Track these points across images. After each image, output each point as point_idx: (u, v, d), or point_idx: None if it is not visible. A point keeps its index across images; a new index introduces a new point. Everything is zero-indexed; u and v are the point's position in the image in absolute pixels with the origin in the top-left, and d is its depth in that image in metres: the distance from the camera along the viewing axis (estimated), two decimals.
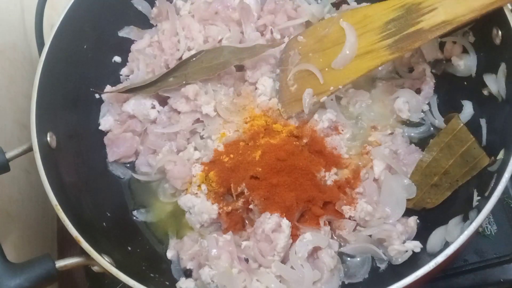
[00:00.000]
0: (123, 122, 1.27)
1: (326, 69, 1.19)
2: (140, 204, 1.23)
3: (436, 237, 1.02)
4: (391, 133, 1.21)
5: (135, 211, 1.22)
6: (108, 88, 1.29)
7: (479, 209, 0.89)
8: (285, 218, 1.05)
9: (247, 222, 1.13)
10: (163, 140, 1.24)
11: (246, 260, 1.06)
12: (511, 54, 1.00)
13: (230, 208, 1.13)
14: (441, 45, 1.22)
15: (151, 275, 1.07)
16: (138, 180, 1.25)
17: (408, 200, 1.10)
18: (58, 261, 0.92)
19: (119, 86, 1.30)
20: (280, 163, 1.11)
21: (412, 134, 1.22)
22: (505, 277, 1.15)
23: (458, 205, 1.04)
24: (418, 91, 1.24)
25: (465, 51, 1.16)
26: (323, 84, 1.19)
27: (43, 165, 0.98)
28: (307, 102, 1.19)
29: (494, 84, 1.05)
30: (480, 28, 1.09)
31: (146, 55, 1.33)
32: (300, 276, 1.00)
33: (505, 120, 1.00)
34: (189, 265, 1.09)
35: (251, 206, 1.11)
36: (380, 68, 1.28)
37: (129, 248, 1.11)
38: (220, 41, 1.31)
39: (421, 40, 1.07)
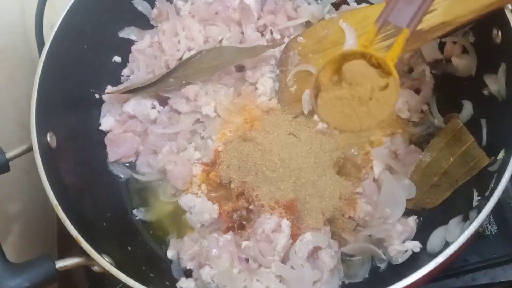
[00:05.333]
0: (123, 122, 1.27)
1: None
2: (140, 204, 1.23)
3: (436, 237, 1.02)
4: (391, 134, 1.21)
5: (135, 210, 1.22)
6: (108, 88, 1.29)
7: (479, 209, 0.89)
8: (285, 218, 1.06)
9: (247, 222, 1.13)
10: (163, 140, 1.25)
11: (246, 260, 1.06)
12: (511, 54, 1.00)
13: (230, 208, 1.13)
14: (441, 45, 1.22)
15: (151, 275, 1.07)
16: (138, 180, 1.25)
17: (408, 200, 1.10)
18: (58, 261, 0.92)
19: (120, 87, 1.30)
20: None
21: (412, 134, 1.22)
22: (505, 277, 1.15)
23: (458, 205, 1.04)
24: (417, 91, 1.24)
25: (465, 51, 1.16)
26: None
27: (43, 165, 0.98)
28: (306, 102, 1.19)
29: (494, 84, 1.04)
30: (480, 28, 1.09)
31: (146, 55, 1.33)
32: (300, 276, 1.00)
33: (505, 120, 1.00)
34: (189, 265, 1.09)
35: (251, 206, 1.11)
36: None
37: (129, 248, 1.11)
38: (220, 41, 1.31)
39: (421, 41, 1.07)
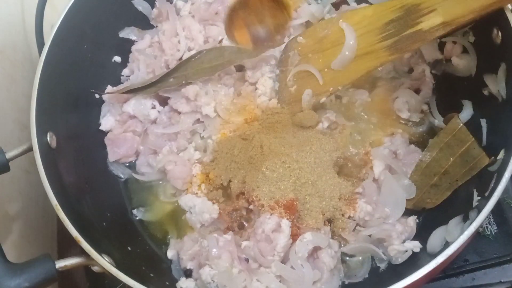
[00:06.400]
0: (123, 122, 1.27)
1: (326, 69, 1.19)
2: (140, 204, 1.23)
3: (436, 237, 1.02)
4: (391, 133, 1.21)
5: (135, 210, 1.22)
6: (108, 88, 1.29)
7: (479, 209, 0.89)
8: (285, 218, 1.06)
9: (247, 222, 1.14)
10: (163, 140, 1.25)
11: (246, 260, 1.06)
12: (511, 54, 1.00)
13: (230, 208, 1.13)
14: (441, 46, 1.22)
15: (151, 275, 1.07)
16: (138, 180, 1.25)
17: (408, 200, 1.10)
18: (58, 261, 0.92)
19: (120, 87, 1.30)
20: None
21: (412, 134, 1.22)
22: (505, 277, 1.15)
23: (458, 205, 1.04)
24: (417, 91, 1.24)
25: (465, 51, 1.16)
26: (322, 85, 1.19)
27: (43, 165, 0.98)
28: (306, 102, 1.19)
29: (494, 84, 1.05)
30: (480, 28, 1.09)
31: (146, 55, 1.33)
32: (300, 276, 1.00)
33: (505, 120, 1.00)
34: (189, 265, 1.09)
35: (251, 206, 1.11)
36: (379, 69, 1.28)
37: (129, 248, 1.11)
38: (220, 41, 1.31)
39: (421, 41, 1.07)
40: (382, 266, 1.09)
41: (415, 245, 1.04)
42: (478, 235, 1.16)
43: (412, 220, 1.09)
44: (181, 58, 1.30)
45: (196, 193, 1.17)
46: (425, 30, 1.05)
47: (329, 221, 1.11)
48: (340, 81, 1.18)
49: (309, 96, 1.20)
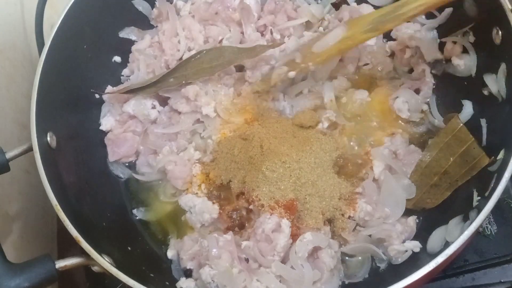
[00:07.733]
0: (123, 122, 1.27)
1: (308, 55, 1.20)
2: (140, 203, 1.23)
3: (436, 237, 1.02)
4: (391, 133, 1.21)
5: (135, 210, 1.22)
6: (108, 88, 1.29)
7: (479, 209, 0.89)
8: (285, 218, 1.06)
9: (247, 222, 1.14)
10: (163, 140, 1.25)
11: (246, 260, 1.06)
12: (511, 54, 1.00)
13: (230, 208, 1.13)
14: (441, 46, 1.22)
15: (151, 275, 1.07)
16: (138, 180, 1.25)
17: (407, 200, 1.10)
18: (58, 261, 0.92)
19: (120, 87, 1.30)
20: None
21: (412, 134, 1.22)
22: (505, 277, 1.15)
23: (458, 205, 1.04)
24: (417, 91, 1.24)
25: (465, 51, 1.16)
26: (297, 63, 1.20)
27: (43, 165, 0.98)
28: (276, 76, 1.21)
29: (494, 84, 1.05)
30: (480, 28, 1.09)
31: (146, 55, 1.33)
32: (300, 276, 1.00)
33: (505, 120, 1.00)
34: (189, 265, 1.09)
35: (251, 206, 1.11)
36: (379, 69, 1.29)
37: (129, 248, 1.12)
38: (220, 41, 1.31)
39: (396, 21, 1.08)
40: (382, 266, 1.09)
41: (415, 245, 1.04)
42: (478, 235, 1.16)
43: (412, 220, 1.09)
44: (181, 58, 1.30)
45: (196, 193, 1.17)
46: (401, 13, 1.06)
47: (329, 221, 1.11)
48: (313, 59, 1.19)
49: (279, 69, 1.21)
